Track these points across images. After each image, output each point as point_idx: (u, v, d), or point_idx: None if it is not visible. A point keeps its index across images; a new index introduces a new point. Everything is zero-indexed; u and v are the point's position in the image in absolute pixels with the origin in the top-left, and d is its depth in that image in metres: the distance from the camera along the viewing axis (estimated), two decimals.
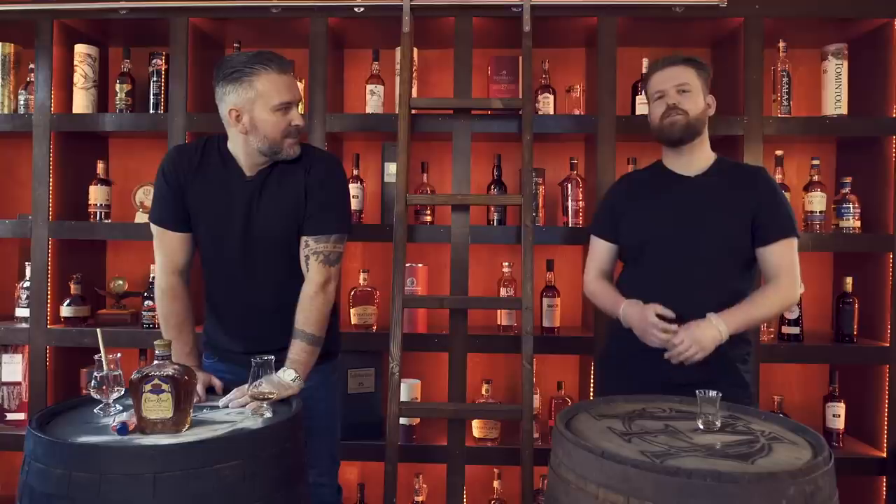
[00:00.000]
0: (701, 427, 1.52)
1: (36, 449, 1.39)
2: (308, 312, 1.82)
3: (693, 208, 1.97)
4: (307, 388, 1.79)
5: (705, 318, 1.84)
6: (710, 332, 1.83)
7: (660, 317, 1.87)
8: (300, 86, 2.67)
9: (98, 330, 1.67)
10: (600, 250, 2.14)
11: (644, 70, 2.55)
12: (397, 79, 2.57)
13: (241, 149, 1.85)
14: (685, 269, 1.93)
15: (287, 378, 1.72)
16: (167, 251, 1.91)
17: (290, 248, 1.88)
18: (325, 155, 2.00)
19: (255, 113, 1.78)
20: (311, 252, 1.86)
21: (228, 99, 1.79)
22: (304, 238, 1.87)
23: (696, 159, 2.03)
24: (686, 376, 1.82)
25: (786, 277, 1.92)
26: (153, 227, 1.92)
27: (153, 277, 2.65)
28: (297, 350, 1.79)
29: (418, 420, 2.66)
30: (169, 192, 1.88)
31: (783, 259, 1.92)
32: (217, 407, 1.70)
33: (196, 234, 1.92)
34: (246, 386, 1.65)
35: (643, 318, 1.89)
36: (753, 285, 2.00)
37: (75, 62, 2.68)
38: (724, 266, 1.95)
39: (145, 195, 2.77)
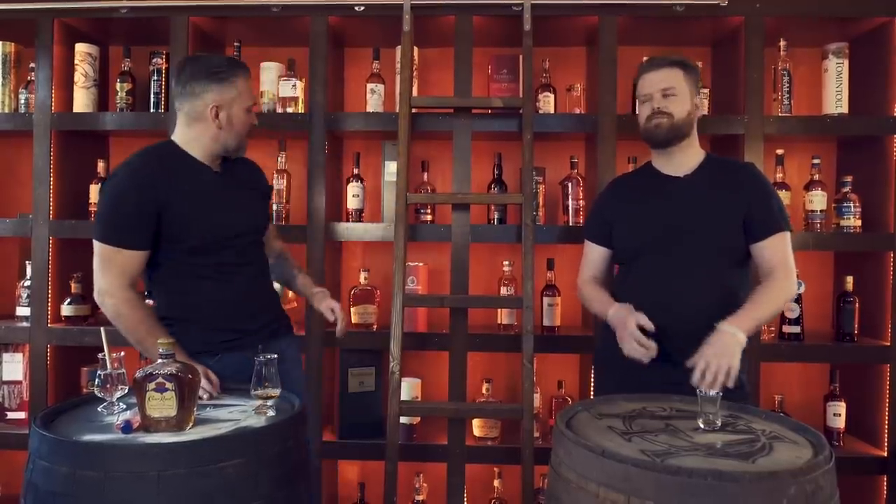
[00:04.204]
0: (702, 426, 1.53)
1: (41, 447, 1.40)
2: (292, 259, 2.23)
3: (684, 208, 1.97)
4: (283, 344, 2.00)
5: (716, 331, 1.76)
6: (728, 340, 1.75)
7: (642, 330, 1.83)
8: (300, 84, 2.69)
9: (102, 329, 1.68)
10: (593, 255, 2.14)
11: None
12: (398, 77, 2.57)
13: (207, 144, 1.91)
14: (679, 269, 1.93)
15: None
16: (125, 269, 1.80)
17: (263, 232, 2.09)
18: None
19: (233, 110, 1.90)
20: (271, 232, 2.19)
21: (209, 96, 1.87)
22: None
23: (685, 159, 2.02)
24: (682, 376, 1.81)
25: (781, 271, 1.92)
26: (106, 248, 1.79)
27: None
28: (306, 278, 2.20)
29: (419, 419, 2.66)
30: (144, 213, 1.79)
31: (777, 254, 1.92)
32: (220, 405, 1.70)
33: (178, 244, 1.84)
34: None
35: (624, 324, 1.86)
36: (747, 281, 1.99)
37: (76, 61, 2.68)
38: (717, 264, 1.94)
39: None
